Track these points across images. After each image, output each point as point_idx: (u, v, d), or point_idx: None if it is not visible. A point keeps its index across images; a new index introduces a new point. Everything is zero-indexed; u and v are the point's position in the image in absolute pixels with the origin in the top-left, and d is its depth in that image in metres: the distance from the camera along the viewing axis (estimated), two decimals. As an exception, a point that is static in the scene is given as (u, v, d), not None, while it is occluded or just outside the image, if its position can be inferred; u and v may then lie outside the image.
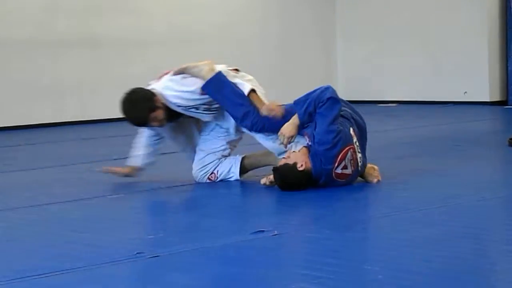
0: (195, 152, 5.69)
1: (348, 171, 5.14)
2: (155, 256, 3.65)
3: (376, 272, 3.31)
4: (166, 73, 5.61)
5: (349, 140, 5.14)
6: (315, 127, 5.12)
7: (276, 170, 5.16)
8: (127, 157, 5.84)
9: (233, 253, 3.74)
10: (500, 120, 10.09)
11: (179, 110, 5.44)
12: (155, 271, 3.49)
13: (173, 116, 5.49)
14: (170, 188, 5.51)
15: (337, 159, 5.10)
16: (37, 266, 3.56)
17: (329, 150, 5.08)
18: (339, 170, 5.12)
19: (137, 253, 3.69)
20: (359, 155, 5.20)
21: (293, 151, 5.15)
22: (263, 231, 4.02)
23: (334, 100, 5.15)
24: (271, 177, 5.30)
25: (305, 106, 5.18)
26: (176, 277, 3.40)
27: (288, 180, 5.11)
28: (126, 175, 5.71)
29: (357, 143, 5.21)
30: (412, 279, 3.23)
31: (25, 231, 4.39)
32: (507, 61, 11.32)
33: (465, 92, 11.52)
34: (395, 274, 3.30)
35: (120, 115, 5.50)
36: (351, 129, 5.21)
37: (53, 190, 5.58)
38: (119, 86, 10.58)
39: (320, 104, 5.14)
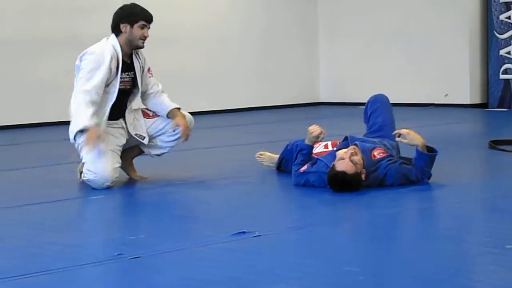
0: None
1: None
2: (136, 257, 3.65)
3: (357, 273, 3.33)
4: None
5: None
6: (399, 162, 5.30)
7: (343, 178, 5.06)
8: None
9: (213, 255, 3.74)
10: (480, 123, 10.14)
11: None
12: (136, 272, 3.49)
13: None
14: (152, 188, 5.50)
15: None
16: (18, 266, 3.55)
17: (383, 178, 5.20)
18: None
19: (118, 254, 3.68)
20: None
21: (356, 156, 5.13)
22: (244, 232, 4.03)
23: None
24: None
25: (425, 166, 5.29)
26: (156, 278, 3.40)
27: (352, 189, 5.09)
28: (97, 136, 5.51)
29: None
30: (391, 280, 3.25)
31: (6, 231, 4.37)
32: (487, 64, 11.38)
33: (446, 94, 11.58)
34: (376, 275, 3.32)
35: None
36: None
37: (34, 191, 5.56)
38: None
39: (424, 173, 5.28)
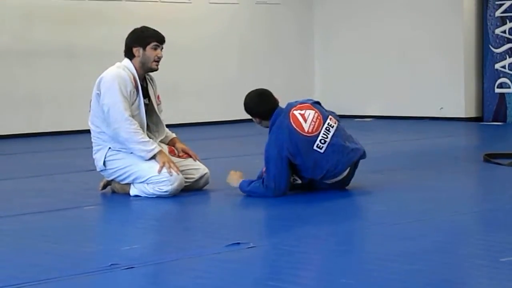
0: None
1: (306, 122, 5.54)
2: (130, 268, 3.64)
3: (351, 285, 3.33)
4: None
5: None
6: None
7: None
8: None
9: (207, 266, 3.73)
10: (475, 136, 10.15)
11: None
12: (129, 283, 3.48)
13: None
14: (147, 199, 5.48)
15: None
16: (11, 276, 3.53)
17: None
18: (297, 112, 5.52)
19: (112, 264, 3.67)
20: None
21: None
22: (239, 243, 4.03)
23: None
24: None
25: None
26: (150, 288, 3.40)
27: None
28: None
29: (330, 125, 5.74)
30: (385, 293, 3.25)
31: (-1, 241, 4.36)
32: (483, 77, 11.40)
33: (441, 107, 11.59)
34: (370, 287, 3.32)
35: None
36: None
37: (28, 200, 5.54)
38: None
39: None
